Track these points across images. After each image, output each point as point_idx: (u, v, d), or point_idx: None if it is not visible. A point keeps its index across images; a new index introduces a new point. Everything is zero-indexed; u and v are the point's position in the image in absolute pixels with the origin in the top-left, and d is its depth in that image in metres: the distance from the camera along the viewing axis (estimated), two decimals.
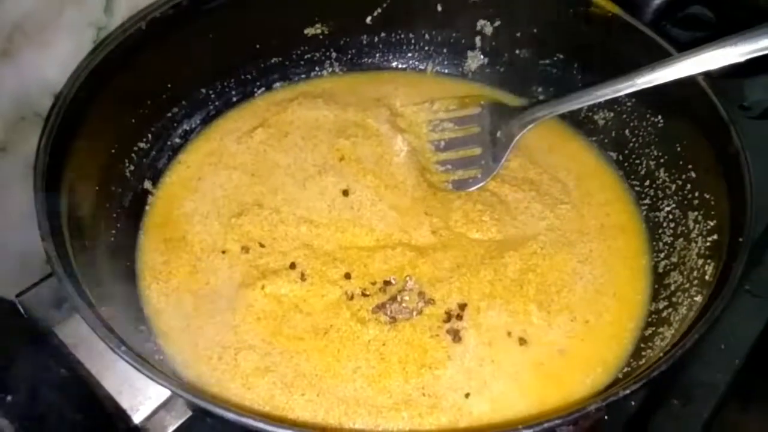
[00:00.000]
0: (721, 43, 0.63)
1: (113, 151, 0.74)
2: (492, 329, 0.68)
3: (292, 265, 0.71)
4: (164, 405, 0.58)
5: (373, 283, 0.70)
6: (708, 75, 0.91)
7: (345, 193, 0.78)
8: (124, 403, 0.56)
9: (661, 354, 0.54)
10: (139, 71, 0.75)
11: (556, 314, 0.69)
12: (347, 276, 0.71)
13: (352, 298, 0.69)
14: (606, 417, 0.69)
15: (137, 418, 0.57)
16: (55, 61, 0.71)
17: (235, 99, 0.88)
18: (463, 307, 0.69)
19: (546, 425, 0.46)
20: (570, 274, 0.73)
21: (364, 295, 0.69)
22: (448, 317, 0.68)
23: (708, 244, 0.67)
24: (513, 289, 0.71)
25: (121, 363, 0.50)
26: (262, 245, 0.73)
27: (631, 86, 0.68)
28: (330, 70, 0.93)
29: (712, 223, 0.67)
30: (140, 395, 0.58)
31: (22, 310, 0.67)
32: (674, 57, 0.67)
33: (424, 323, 0.67)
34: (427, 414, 0.62)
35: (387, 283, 0.70)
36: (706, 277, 0.63)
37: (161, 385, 0.49)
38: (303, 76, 0.92)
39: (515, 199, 0.79)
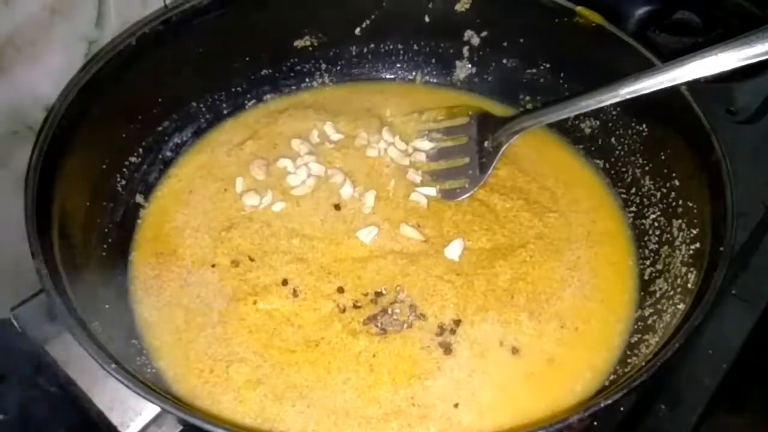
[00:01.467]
0: (703, 54, 0.63)
1: (104, 165, 0.75)
2: (484, 341, 0.68)
3: (284, 282, 0.72)
4: (155, 420, 0.59)
5: (365, 295, 0.71)
6: (695, 80, 0.92)
7: (337, 207, 0.78)
8: (115, 419, 0.57)
9: (644, 363, 0.55)
10: (130, 86, 0.75)
11: (546, 322, 0.70)
12: (340, 290, 0.71)
13: (344, 310, 0.70)
14: (595, 423, 0.70)
15: None
16: (47, 75, 0.72)
17: (225, 112, 0.89)
18: (457, 323, 0.69)
19: None
20: (559, 282, 0.74)
21: (355, 307, 0.70)
22: (441, 331, 0.69)
23: (691, 251, 0.67)
24: (504, 299, 0.71)
25: (111, 379, 0.50)
26: (251, 259, 0.74)
27: (614, 97, 0.69)
28: (320, 81, 0.94)
29: (695, 231, 0.68)
30: (131, 411, 0.58)
31: (15, 324, 0.68)
32: (657, 68, 0.68)
33: (414, 335, 0.68)
34: (416, 424, 0.63)
35: (378, 294, 0.71)
36: (689, 285, 0.64)
37: (151, 401, 0.49)
38: (293, 87, 0.93)
39: (504, 208, 0.79)
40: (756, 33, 0.62)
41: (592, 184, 0.84)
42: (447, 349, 0.67)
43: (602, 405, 0.50)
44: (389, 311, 0.69)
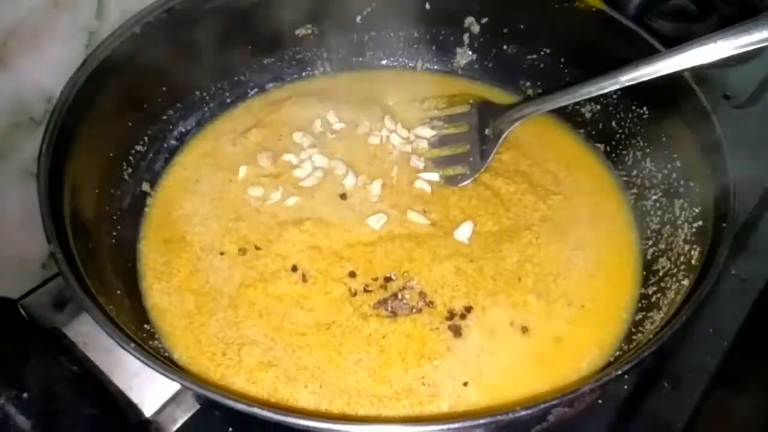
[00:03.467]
0: (702, 41, 0.65)
1: (111, 154, 0.75)
2: (493, 324, 0.69)
3: (294, 268, 0.72)
4: (173, 399, 0.60)
5: (375, 279, 0.72)
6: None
7: (342, 196, 0.79)
8: (135, 397, 0.58)
9: (651, 336, 0.56)
10: (135, 75, 0.76)
11: (553, 302, 0.71)
12: (351, 274, 0.72)
13: (355, 294, 0.71)
14: (600, 401, 0.71)
15: (148, 412, 0.59)
16: (49, 67, 0.72)
17: (229, 100, 0.90)
18: (469, 309, 0.70)
19: (542, 406, 0.48)
20: (564, 262, 0.75)
21: (366, 291, 0.71)
22: (451, 316, 0.70)
23: (694, 230, 0.69)
24: (512, 281, 0.72)
25: (129, 359, 0.51)
26: (257, 248, 0.74)
27: (614, 84, 0.71)
28: (322, 69, 0.95)
29: (697, 210, 0.69)
30: (150, 390, 0.59)
31: (23, 313, 0.68)
32: (657, 55, 0.69)
33: (424, 319, 0.69)
34: (427, 402, 0.64)
35: (388, 279, 0.72)
36: (693, 262, 0.65)
37: (170, 378, 0.50)
38: (295, 76, 0.93)
39: (508, 191, 0.80)
40: (753, 21, 0.63)
41: (593, 166, 0.85)
42: (457, 332, 0.68)
43: (613, 375, 0.51)
44: (399, 296, 0.70)
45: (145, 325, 0.67)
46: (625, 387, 0.73)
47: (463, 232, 0.76)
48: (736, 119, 1.00)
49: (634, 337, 0.68)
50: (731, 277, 0.82)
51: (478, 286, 0.72)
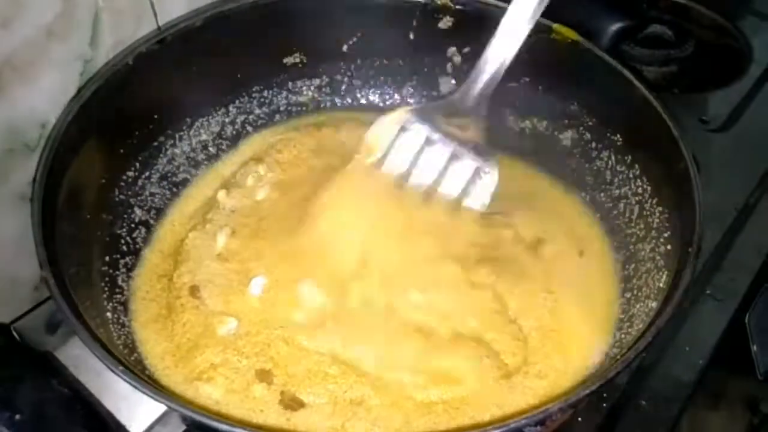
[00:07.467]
0: None
1: (103, 180, 0.77)
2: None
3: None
4: (159, 420, 0.62)
5: None
6: (671, 90, 0.95)
7: None
8: (123, 419, 0.60)
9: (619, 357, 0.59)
10: (127, 104, 0.78)
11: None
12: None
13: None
14: (579, 419, 0.73)
15: None
16: (44, 94, 0.74)
17: (219, 126, 0.92)
18: None
19: (513, 425, 0.50)
20: None
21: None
22: None
23: (663, 253, 0.71)
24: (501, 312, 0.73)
25: (117, 382, 0.53)
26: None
27: None
28: (308, 95, 0.97)
29: (666, 234, 0.72)
30: (138, 412, 0.61)
31: (16, 336, 0.70)
32: None
33: None
34: None
35: None
36: (661, 285, 0.67)
37: (156, 400, 0.52)
38: (283, 102, 0.96)
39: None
40: None
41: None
42: None
43: (581, 395, 0.52)
44: None
45: (134, 354, 0.68)
46: (604, 405, 0.75)
47: None
48: (712, 142, 1.04)
49: (610, 354, 0.70)
50: (706, 296, 0.85)
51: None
